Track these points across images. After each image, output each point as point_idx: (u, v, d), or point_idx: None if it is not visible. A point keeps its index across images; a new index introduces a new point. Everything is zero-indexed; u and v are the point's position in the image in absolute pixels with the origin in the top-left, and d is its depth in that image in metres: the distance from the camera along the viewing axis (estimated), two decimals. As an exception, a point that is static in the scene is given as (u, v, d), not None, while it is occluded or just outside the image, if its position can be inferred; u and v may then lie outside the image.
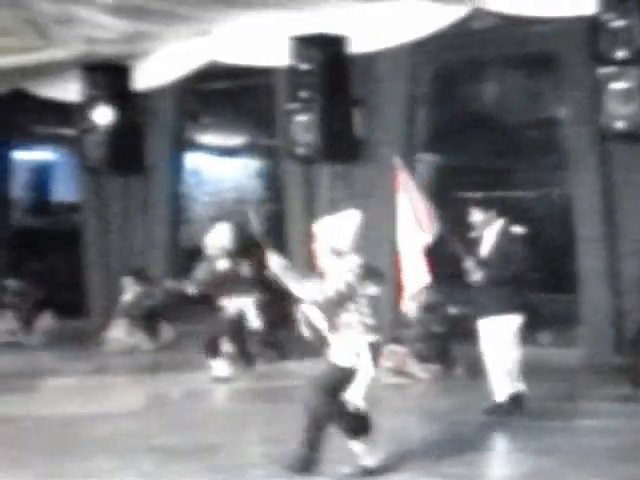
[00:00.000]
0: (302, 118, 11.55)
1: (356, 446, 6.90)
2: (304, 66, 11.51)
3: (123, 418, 9.22)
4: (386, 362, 10.08)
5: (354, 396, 6.80)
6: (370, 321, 6.83)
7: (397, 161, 9.42)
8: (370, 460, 6.91)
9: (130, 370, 12.43)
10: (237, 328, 11.01)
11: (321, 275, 6.95)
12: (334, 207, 12.35)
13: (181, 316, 13.92)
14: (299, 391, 10.29)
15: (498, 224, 8.80)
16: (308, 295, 6.83)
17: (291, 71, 11.68)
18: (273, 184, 16.68)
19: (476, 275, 8.68)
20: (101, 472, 7.26)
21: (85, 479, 7.05)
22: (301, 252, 11.86)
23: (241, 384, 10.86)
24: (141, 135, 13.67)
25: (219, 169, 18.93)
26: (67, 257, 15.65)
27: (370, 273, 6.92)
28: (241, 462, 7.41)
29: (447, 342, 10.92)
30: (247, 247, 10.91)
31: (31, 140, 18.81)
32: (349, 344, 6.79)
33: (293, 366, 11.55)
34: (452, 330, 10.96)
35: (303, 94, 11.57)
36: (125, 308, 13.63)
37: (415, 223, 9.13)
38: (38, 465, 7.39)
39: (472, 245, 8.89)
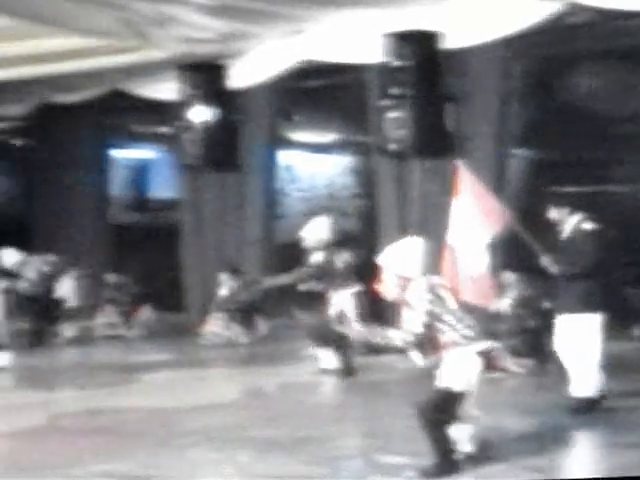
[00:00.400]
0: (394, 114, 11.54)
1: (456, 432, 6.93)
2: (397, 62, 11.51)
3: (220, 410, 9.38)
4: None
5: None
6: (469, 332, 6.82)
7: (459, 163, 9.40)
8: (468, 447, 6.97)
9: (227, 363, 12.66)
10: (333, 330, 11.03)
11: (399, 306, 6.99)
12: (426, 202, 12.46)
13: (276, 310, 14.12)
14: (394, 385, 10.49)
15: (573, 220, 8.81)
16: (400, 341, 6.90)
17: (383, 68, 11.70)
18: (365, 180, 16.79)
19: (553, 270, 8.71)
20: (200, 463, 7.41)
21: (185, 470, 7.20)
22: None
23: (336, 377, 10.92)
24: (236, 133, 13.81)
25: (312, 166, 19.10)
26: (165, 253, 15.91)
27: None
28: (337, 455, 7.49)
29: (541, 336, 10.87)
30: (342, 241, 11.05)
31: (129, 139, 19.17)
32: (456, 363, 6.77)
33: (387, 359, 11.57)
34: (546, 324, 10.90)
35: (395, 90, 11.57)
36: (221, 302, 13.87)
37: (477, 223, 9.12)
38: (139, 455, 7.56)
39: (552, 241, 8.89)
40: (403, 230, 12.58)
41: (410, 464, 7.00)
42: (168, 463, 7.36)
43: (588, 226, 8.78)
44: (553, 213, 8.88)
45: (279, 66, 12.69)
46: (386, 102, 11.69)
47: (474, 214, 9.15)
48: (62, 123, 16.26)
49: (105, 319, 14.41)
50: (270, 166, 15.21)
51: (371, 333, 7.13)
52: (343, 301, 11.00)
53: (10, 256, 13.40)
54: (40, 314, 13.85)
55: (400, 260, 6.95)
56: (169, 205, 17.25)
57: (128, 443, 8.01)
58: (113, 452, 7.65)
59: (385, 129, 11.73)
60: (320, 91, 14.52)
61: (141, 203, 19.97)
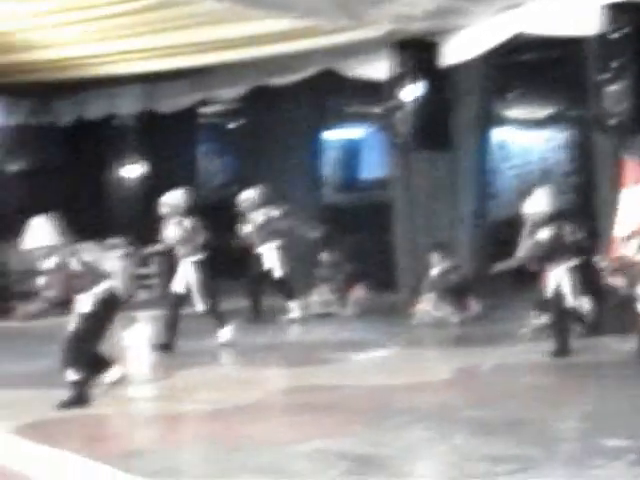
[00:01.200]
0: (614, 88, 11.16)
1: None
2: (616, 34, 11.11)
3: (433, 390, 9.31)
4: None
5: None
6: None
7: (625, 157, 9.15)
8: None
9: (438, 343, 12.57)
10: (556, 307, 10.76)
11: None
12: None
13: (488, 290, 13.90)
14: (610, 367, 10.15)
15: None
16: None
17: (602, 39, 11.31)
18: (580, 156, 16.33)
19: None
20: (414, 442, 7.34)
21: (401, 449, 7.14)
22: (610, 225, 11.50)
23: (548, 359, 10.63)
24: (448, 111, 13.66)
25: (524, 142, 18.73)
26: (377, 232, 15.94)
27: None
28: (551, 438, 7.30)
29: None
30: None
31: (341, 119, 19.30)
32: None
33: (604, 341, 11.22)
34: None
35: (615, 63, 11.17)
36: (433, 282, 13.77)
37: None
38: (358, 432, 7.55)
39: None
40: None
41: (631, 447, 6.75)
42: (384, 441, 7.32)
43: None
44: None
45: (492, 41, 12.44)
46: (605, 75, 11.30)
47: None
48: (276, 105, 16.49)
49: (319, 297, 14.54)
50: (482, 144, 14.94)
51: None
52: (561, 276, 10.70)
53: None
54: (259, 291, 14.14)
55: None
56: (380, 184, 17.27)
57: (345, 421, 8.02)
58: (330, 430, 7.67)
59: (604, 103, 11.35)
60: (535, 65, 14.19)
61: (353, 183, 20.10)
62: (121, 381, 8.98)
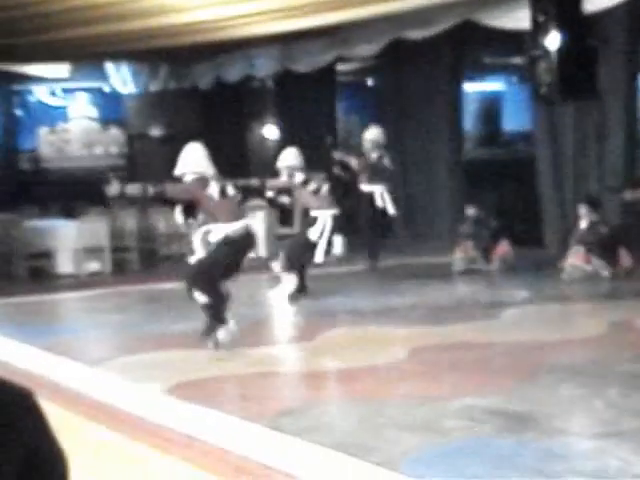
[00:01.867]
0: None
1: None
2: None
3: (585, 345, 9.10)
4: None
5: None
6: None
7: None
8: None
9: (589, 297, 12.28)
10: None
11: None
12: None
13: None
14: None
15: None
16: None
17: None
18: None
19: None
20: (568, 398, 7.22)
21: (555, 405, 7.03)
22: None
23: None
24: (594, 59, 13.21)
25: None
26: (521, 187, 15.64)
27: None
28: None
29: None
30: None
31: (482, 71, 18.97)
32: None
33: None
34: None
35: None
36: (581, 236, 13.42)
37: None
38: (508, 390, 7.42)
39: None
40: None
41: None
42: (537, 398, 7.19)
43: None
44: None
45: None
46: None
47: None
48: (414, 59, 16.30)
49: (464, 254, 14.32)
50: (631, 92, 14.47)
51: None
52: None
53: None
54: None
55: None
56: (524, 138, 16.94)
57: (495, 378, 7.89)
58: (481, 387, 7.55)
59: None
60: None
61: (495, 137, 19.77)
62: (228, 337, 8.99)
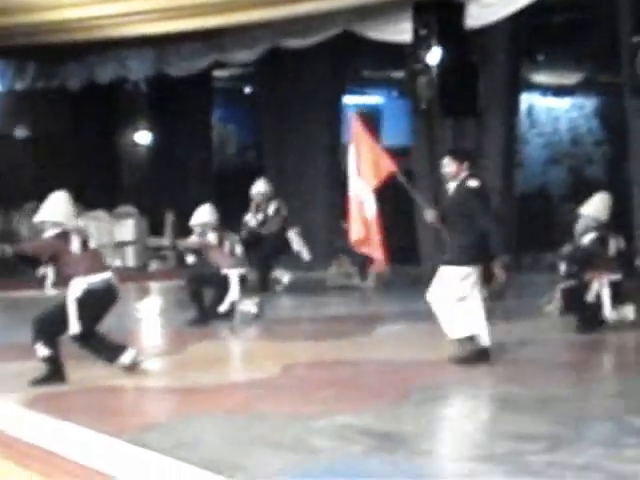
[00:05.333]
0: (648, 51, 10.73)
1: None
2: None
3: (457, 365, 8.88)
4: None
5: None
6: None
7: (352, 114, 9.61)
8: None
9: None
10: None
11: None
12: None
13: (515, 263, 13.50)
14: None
15: (462, 176, 8.64)
16: None
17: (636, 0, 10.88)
18: (612, 124, 15.90)
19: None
20: (440, 419, 7.21)
21: (423, 425, 6.90)
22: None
23: (580, 336, 10.30)
24: (474, 75, 13.24)
25: (554, 109, 18.31)
26: (398, 202, 15.54)
27: None
28: (582, 415, 7.05)
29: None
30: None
31: (362, 84, 18.91)
32: None
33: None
34: None
35: (650, 25, 10.75)
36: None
37: (360, 174, 9.31)
38: (378, 408, 7.30)
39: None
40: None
41: None
42: (408, 418, 7.08)
43: (474, 183, 8.65)
44: (449, 167, 8.77)
45: (520, 2, 11.97)
46: (639, 38, 10.90)
47: (363, 163, 9.28)
48: (293, 68, 16.12)
49: (340, 269, 14.17)
50: (510, 111, 14.55)
51: None
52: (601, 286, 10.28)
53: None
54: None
55: None
56: (403, 152, 16.88)
57: (366, 397, 7.78)
58: (352, 405, 7.40)
59: (638, 67, 10.94)
60: (565, 27, 13.76)
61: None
62: (137, 361, 8.62)
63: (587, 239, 10.28)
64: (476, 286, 8.77)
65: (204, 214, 11.66)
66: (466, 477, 5.79)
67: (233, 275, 11.42)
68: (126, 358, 8.56)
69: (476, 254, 8.62)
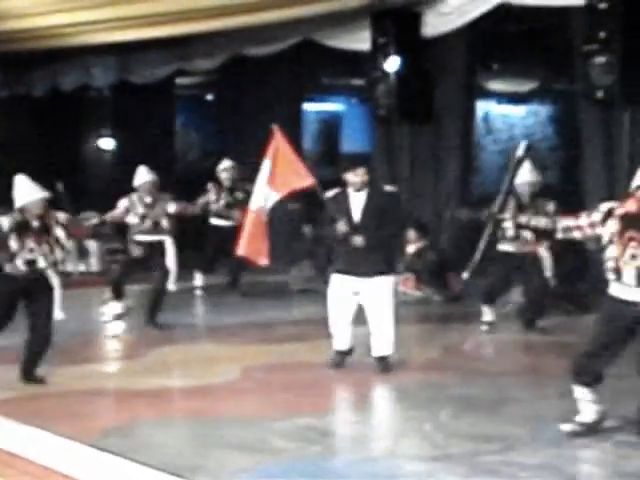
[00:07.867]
0: (601, 59, 10.93)
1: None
2: (603, 5, 10.89)
3: (420, 368, 9.12)
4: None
5: None
6: None
7: (274, 127, 9.60)
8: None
9: (421, 321, 12.32)
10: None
11: None
12: (635, 154, 11.77)
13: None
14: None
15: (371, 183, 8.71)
16: None
17: (589, 10, 11.08)
18: (567, 131, 16.13)
19: (354, 240, 8.63)
20: (400, 420, 7.35)
21: (387, 427, 7.13)
22: (597, 200, 11.31)
23: (538, 337, 10.52)
24: (431, 83, 13.42)
25: (509, 116, 18.53)
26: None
27: None
28: (537, 416, 7.23)
29: None
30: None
31: (322, 91, 19.01)
32: None
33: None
34: None
35: (602, 34, 10.95)
36: (409, 262, 13.39)
37: (273, 182, 9.36)
38: (336, 409, 7.56)
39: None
40: (610, 183, 12.00)
41: (618, 427, 6.72)
42: (368, 419, 7.30)
43: (390, 188, 9.00)
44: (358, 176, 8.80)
45: (476, 11, 12.18)
46: (592, 46, 11.09)
47: (279, 174, 9.35)
48: (254, 76, 16.21)
49: (300, 273, 14.22)
50: (466, 117, 14.72)
51: None
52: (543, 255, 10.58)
53: None
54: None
55: None
56: (362, 159, 17.00)
57: (326, 399, 7.93)
58: (312, 407, 7.54)
59: (591, 75, 11.14)
60: (520, 36, 13.92)
61: (334, 157, 19.81)
62: None
63: None
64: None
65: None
66: (424, 477, 5.92)
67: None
68: None
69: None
